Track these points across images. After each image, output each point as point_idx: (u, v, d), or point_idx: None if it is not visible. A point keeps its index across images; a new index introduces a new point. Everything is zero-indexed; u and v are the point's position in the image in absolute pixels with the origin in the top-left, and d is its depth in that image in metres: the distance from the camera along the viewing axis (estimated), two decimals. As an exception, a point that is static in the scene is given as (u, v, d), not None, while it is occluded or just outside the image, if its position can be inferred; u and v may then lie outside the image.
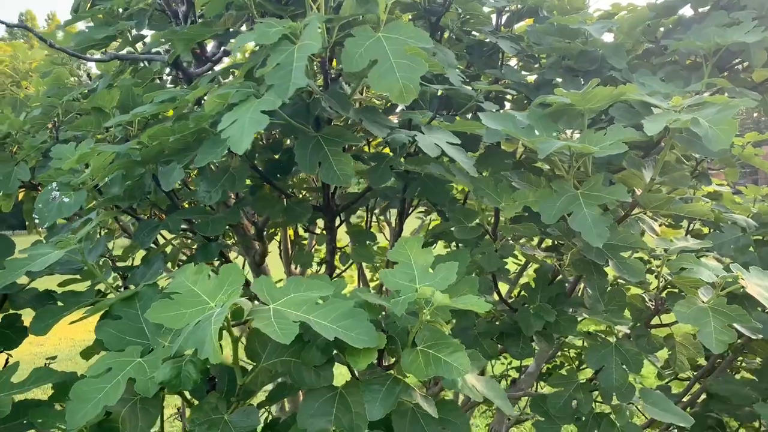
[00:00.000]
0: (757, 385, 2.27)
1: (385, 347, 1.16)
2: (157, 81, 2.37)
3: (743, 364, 2.76)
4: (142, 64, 2.40)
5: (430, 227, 2.87)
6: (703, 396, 2.55)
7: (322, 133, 1.30)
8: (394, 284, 1.18)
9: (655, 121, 1.25)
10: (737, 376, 2.65)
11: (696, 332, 1.30)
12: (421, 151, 1.55)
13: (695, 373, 2.74)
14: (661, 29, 2.31)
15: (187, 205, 1.76)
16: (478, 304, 1.12)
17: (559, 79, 2.06)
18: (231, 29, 1.64)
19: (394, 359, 1.25)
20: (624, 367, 1.46)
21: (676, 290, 1.56)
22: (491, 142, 1.41)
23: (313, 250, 2.94)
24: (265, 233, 2.09)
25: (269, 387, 1.33)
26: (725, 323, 1.28)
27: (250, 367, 1.23)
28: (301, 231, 2.84)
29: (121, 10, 2.25)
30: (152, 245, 1.68)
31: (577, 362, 2.59)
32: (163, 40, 1.91)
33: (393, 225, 2.91)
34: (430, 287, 1.11)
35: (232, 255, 2.50)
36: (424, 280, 1.18)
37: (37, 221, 1.60)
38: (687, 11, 2.26)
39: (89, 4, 2.38)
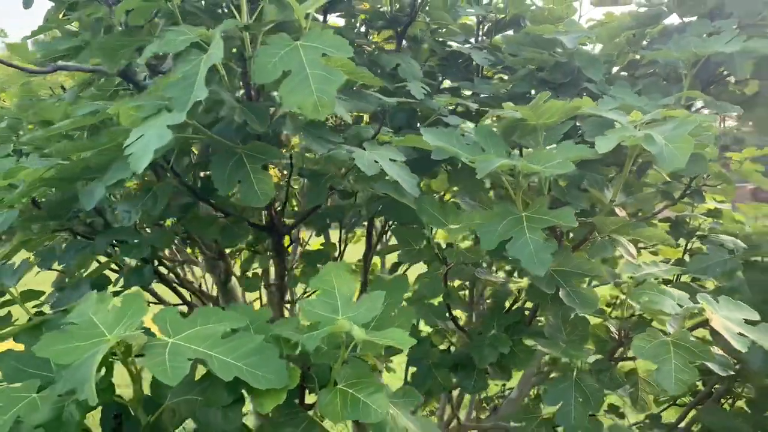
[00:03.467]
0: (749, 417, 2.12)
1: (301, 384, 1.06)
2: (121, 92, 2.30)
3: (744, 392, 2.61)
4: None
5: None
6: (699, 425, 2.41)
7: (244, 149, 1.20)
8: (313, 315, 1.07)
9: (608, 138, 1.14)
10: (734, 406, 2.51)
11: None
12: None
13: (692, 399, 2.60)
14: (647, 39, 2.19)
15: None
16: (401, 339, 1.01)
17: (533, 91, 1.95)
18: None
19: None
20: (583, 403, 1.33)
21: (646, 318, 1.44)
22: (438, 159, 1.30)
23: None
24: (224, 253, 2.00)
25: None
26: (687, 360, 1.15)
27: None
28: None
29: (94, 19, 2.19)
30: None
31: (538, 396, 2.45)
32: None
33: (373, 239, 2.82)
34: (348, 321, 1.01)
35: (199, 273, 2.41)
36: (347, 311, 1.07)
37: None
38: (674, 20, 2.15)
39: (61, 14, 2.32)
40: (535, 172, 1.14)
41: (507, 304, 1.53)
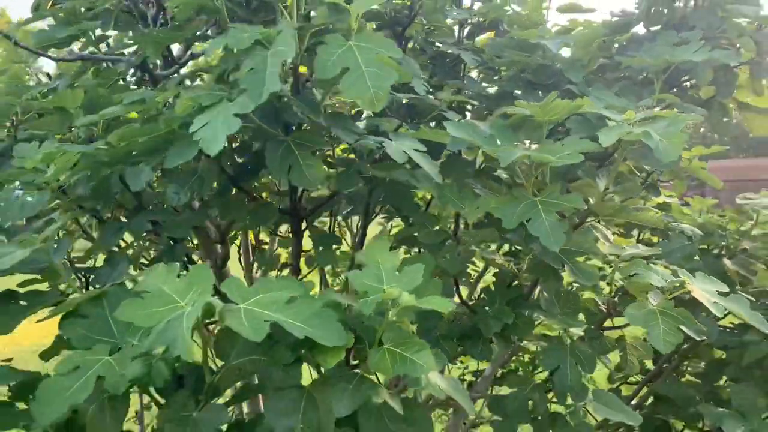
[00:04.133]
0: (700, 388, 2.38)
1: (352, 346, 1.20)
2: (121, 82, 2.36)
3: (688, 369, 2.88)
4: (105, 65, 2.39)
5: (392, 233, 2.91)
6: (651, 399, 2.66)
7: (292, 137, 1.33)
8: (362, 285, 1.22)
9: (609, 134, 1.32)
10: (683, 380, 2.77)
11: (645, 335, 1.37)
12: (385, 157, 1.60)
13: (644, 377, 2.85)
14: (616, 45, 2.41)
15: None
16: (442, 304, 1.17)
17: (519, 92, 2.13)
18: (199, 33, 1.66)
19: (360, 359, 1.29)
20: (578, 367, 1.52)
21: (628, 295, 1.64)
22: (455, 150, 1.46)
23: (275, 254, 2.95)
24: (227, 237, 2.10)
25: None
26: (673, 325, 1.35)
27: (216, 367, 1.25)
28: (262, 235, 2.85)
29: (83, 9, 2.24)
30: (114, 247, 1.67)
31: (531, 366, 2.66)
32: (130, 41, 1.92)
33: (354, 230, 2.95)
34: (397, 288, 1.15)
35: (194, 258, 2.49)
36: (391, 281, 1.22)
37: (-1, 220, 1.59)
38: (640, 29, 2.37)
39: (50, 3, 2.35)
40: (549, 163, 1.31)
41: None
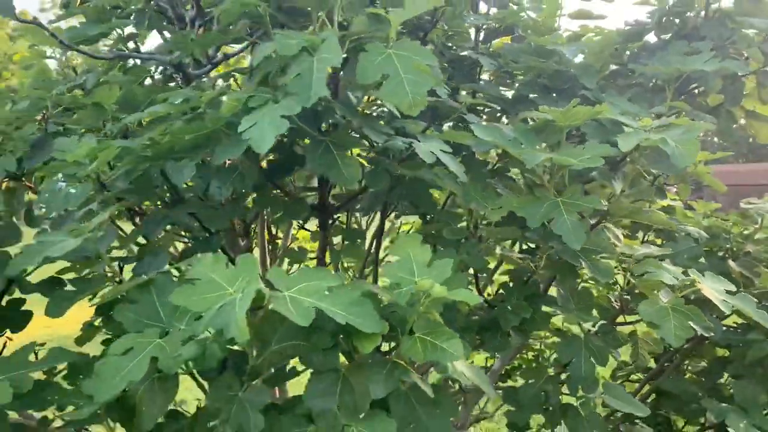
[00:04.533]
0: (703, 385, 2.47)
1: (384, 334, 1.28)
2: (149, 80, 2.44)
3: (689, 368, 2.97)
4: (131, 62, 2.47)
5: (400, 230, 2.99)
6: (653, 396, 2.75)
7: (330, 138, 1.41)
8: (395, 277, 1.30)
9: (628, 139, 1.41)
10: (685, 378, 2.86)
11: (655, 330, 1.46)
12: (409, 157, 1.69)
13: (645, 375, 2.94)
14: (627, 53, 2.49)
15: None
16: (470, 296, 1.26)
17: (535, 96, 2.21)
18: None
19: (391, 347, 1.37)
20: (592, 359, 1.61)
21: (639, 293, 1.72)
22: (480, 151, 1.54)
23: (287, 249, 3.03)
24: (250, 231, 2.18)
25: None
26: (683, 321, 1.44)
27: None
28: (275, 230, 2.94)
29: (110, 7, 2.32)
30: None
31: (538, 360, 2.75)
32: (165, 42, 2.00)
33: (364, 227, 3.03)
34: (429, 280, 1.24)
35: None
36: (422, 274, 1.30)
37: (43, 210, 1.67)
38: (651, 38, 2.46)
39: (79, 1, 2.43)
40: (571, 165, 1.40)
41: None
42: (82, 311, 1.98)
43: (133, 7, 2.15)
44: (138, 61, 2.38)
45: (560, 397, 1.83)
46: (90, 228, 1.44)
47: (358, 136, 1.52)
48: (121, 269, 1.81)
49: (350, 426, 1.22)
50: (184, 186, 1.80)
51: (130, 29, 2.29)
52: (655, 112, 1.84)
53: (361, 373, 1.28)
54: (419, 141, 1.52)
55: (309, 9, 1.47)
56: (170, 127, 1.51)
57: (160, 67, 2.38)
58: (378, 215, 2.34)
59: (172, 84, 2.36)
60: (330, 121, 1.48)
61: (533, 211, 1.39)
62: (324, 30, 1.33)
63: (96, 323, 1.95)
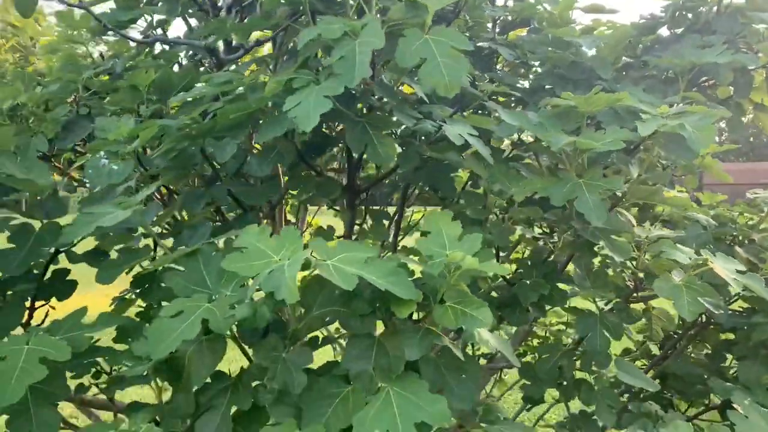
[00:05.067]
0: (708, 367, 2.56)
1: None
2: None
3: (693, 354, 3.06)
4: (159, 47, 2.56)
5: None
6: (658, 381, 2.84)
7: (366, 119, 1.49)
8: (427, 250, 1.39)
9: (648, 124, 1.49)
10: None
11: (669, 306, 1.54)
12: (437, 140, 1.77)
13: (650, 361, 3.03)
14: (640, 46, 2.57)
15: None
16: (499, 268, 1.35)
17: (551, 86, 2.29)
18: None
19: (422, 315, 1.46)
20: (606, 333, 1.70)
21: (653, 270, 1.81)
22: (503, 136, 1.63)
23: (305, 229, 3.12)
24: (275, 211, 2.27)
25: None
26: (696, 296, 1.53)
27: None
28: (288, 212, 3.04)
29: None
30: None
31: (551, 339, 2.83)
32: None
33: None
34: (461, 252, 1.32)
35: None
36: (453, 247, 1.39)
37: (88, 185, 1.76)
38: (663, 32, 2.54)
39: (109, -13, 2.51)
40: (593, 149, 1.48)
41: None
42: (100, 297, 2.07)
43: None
44: (166, 47, 2.47)
45: (574, 372, 1.92)
46: (136, 201, 1.52)
47: (394, 118, 1.60)
48: (155, 245, 1.91)
49: (385, 386, 1.31)
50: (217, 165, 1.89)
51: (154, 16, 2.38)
52: (669, 102, 1.92)
53: (395, 338, 1.36)
54: (447, 124, 1.60)
55: (343, -4, 1.55)
56: (211, 107, 1.59)
57: (189, 53, 2.48)
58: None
59: (200, 69, 2.45)
60: (365, 103, 1.56)
61: (557, 191, 1.48)
62: (363, 17, 1.41)
63: (128, 297, 2.05)
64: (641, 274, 1.81)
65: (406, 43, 1.34)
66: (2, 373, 1.22)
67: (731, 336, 2.53)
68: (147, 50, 2.57)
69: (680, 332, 2.70)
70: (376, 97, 1.50)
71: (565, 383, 1.90)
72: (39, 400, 1.30)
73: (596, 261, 1.84)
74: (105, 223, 1.44)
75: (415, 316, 1.50)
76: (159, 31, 2.57)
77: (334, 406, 1.31)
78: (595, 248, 1.74)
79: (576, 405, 2.00)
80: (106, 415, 2.00)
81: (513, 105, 2.52)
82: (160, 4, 2.39)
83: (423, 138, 1.71)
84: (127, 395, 3.93)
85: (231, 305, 1.29)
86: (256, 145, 1.84)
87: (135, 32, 2.61)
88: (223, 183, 1.68)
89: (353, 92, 1.51)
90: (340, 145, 1.93)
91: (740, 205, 2.74)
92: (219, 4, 1.95)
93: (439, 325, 1.36)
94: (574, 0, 2.65)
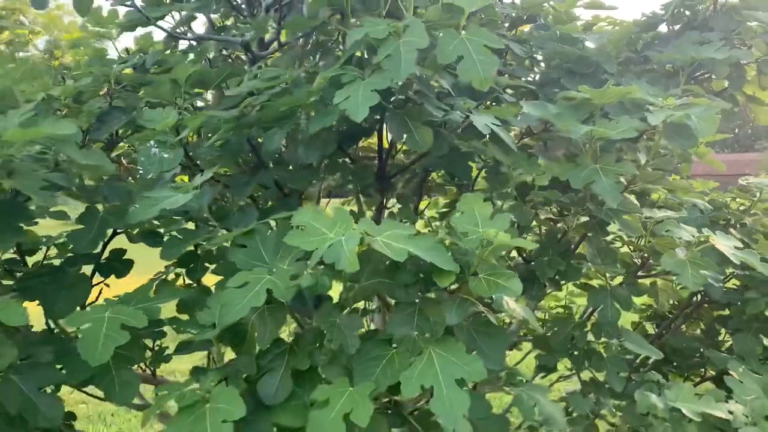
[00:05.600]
0: (703, 341, 2.76)
1: (454, 275, 1.53)
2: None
3: (687, 332, 3.26)
4: (189, 44, 2.69)
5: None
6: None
7: (405, 111, 1.65)
8: (462, 227, 1.55)
9: (657, 115, 1.66)
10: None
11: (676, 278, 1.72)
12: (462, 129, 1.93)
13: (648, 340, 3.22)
14: (641, 42, 2.74)
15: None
16: (528, 243, 1.52)
17: (559, 78, 2.46)
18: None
19: (455, 287, 1.62)
20: (617, 305, 1.87)
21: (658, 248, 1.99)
22: (522, 126, 1.79)
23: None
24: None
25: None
26: (698, 270, 1.70)
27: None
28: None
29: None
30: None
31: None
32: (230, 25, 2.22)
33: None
34: (494, 229, 1.49)
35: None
36: (485, 225, 1.55)
37: (142, 172, 1.90)
38: (663, 28, 2.71)
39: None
40: (608, 137, 1.65)
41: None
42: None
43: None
44: (194, 42, 2.61)
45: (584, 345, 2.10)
46: (193, 186, 1.68)
47: (429, 109, 1.76)
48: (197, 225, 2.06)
49: (427, 348, 1.47)
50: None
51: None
52: (672, 94, 2.09)
53: (434, 306, 1.53)
54: (474, 115, 1.76)
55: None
56: (256, 99, 1.75)
57: (220, 49, 2.62)
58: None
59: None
60: (403, 96, 1.72)
61: (575, 175, 1.65)
62: (405, 18, 1.56)
63: (169, 277, 2.19)
64: (646, 254, 1.99)
65: (444, 43, 1.50)
66: (89, 338, 1.38)
67: (724, 314, 2.72)
68: (173, 45, 2.71)
69: (675, 312, 2.89)
70: (413, 90, 1.66)
71: (576, 353, 2.08)
72: (119, 363, 1.46)
73: (605, 240, 2.01)
74: (168, 206, 1.59)
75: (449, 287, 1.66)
76: (184, 27, 2.71)
77: (381, 366, 1.47)
78: (607, 228, 1.91)
79: (584, 375, 2.19)
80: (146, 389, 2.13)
81: (520, 97, 2.68)
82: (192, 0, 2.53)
83: (448, 127, 1.87)
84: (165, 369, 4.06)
85: (291, 276, 1.45)
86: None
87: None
88: (268, 170, 1.83)
89: (390, 87, 1.67)
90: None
91: (733, 190, 2.92)
92: (255, 3, 2.09)
93: (474, 295, 1.52)
94: (578, -3, 2.82)
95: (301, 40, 2.13)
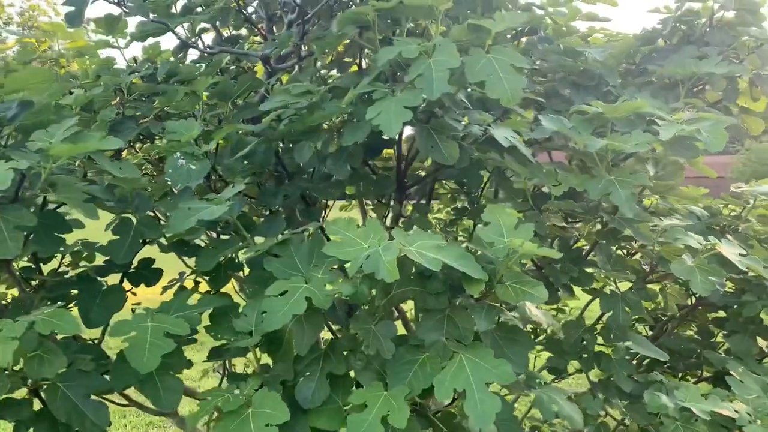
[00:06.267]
0: (698, 342, 2.87)
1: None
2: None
3: (678, 334, 3.36)
4: (200, 56, 2.74)
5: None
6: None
7: (431, 125, 1.73)
8: (487, 237, 1.63)
9: (669, 129, 1.75)
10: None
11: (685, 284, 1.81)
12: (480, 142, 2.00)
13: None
14: (639, 55, 2.85)
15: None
16: (552, 252, 1.59)
17: (564, 92, 2.55)
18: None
19: (481, 295, 1.69)
20: (627, 310, 1.96)
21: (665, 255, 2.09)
22: (541, 137, 1.87)
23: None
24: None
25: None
26: (707, 275, 1.80)
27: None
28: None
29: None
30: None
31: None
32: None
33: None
34: (520, 239, 1.56)
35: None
36: (511, 235, 1.63)
37: (170, 183, 1.95)
38: (660, 42, 2.82)
39: (146, -2, 2.69)
40: (623, 150, 1.74)
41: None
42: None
43: (216, 6, 2.42)
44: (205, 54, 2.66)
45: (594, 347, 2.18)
46: (226, 198, 1.73)
47: (450, 123, 1.83)
48: (218, 235, 2.11)
49: (457, 353, 1.54)
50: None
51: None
52: (674, 108, 2.19)
53: (462, 313, 1.60)
54: (493, 128, 1.84)
55: (401, 17, 1.78)
56: (284, 113, 1.81)
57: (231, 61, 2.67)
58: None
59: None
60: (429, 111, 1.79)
61: (593, 186, 1.73)
62: (432, 39, 1.64)
63: (190, 285, 2.24)
64: (654, 261, 2.08)
65: (472, 62, 1.57)
66: (136, 347, 1.43)
67: (719, 316, 2.83)
68: (180, 56, 2.77)
69: (668, 315, 3.00)
70: (439, 106, 1.73)
71: (586, 355, 2.16)
72: (161, 370, 1.51)
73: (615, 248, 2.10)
74: (204, 217, 1.64)
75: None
76: (192, 39, 2.75)
77: (414, 371, 1.54)
78: (620, 236, 2.00)
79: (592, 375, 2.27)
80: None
81: (526, 108, 2.77)
82: (201, 12, 2.58)
83: (467, 139, 1.94)
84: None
85: (327, 284, 1.52)
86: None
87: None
88: (293, 181, 1.89)
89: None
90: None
91: (725, 197, 3.04)
92: (273, 19, 2.15)
93: (501, 302, 1.60)
94: (579, 11, 2.91)
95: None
